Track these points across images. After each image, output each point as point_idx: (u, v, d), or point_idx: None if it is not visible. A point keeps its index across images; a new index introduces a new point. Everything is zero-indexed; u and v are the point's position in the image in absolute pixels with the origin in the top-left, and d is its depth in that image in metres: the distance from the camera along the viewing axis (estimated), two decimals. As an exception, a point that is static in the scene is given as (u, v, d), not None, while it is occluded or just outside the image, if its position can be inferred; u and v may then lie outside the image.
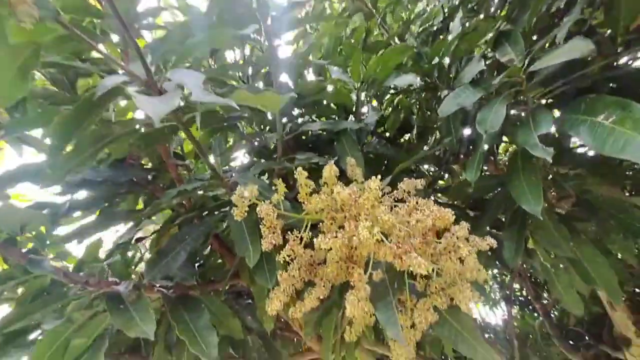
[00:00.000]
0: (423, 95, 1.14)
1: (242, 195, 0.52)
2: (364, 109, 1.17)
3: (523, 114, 0.73)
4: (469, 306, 0.53)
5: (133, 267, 1.05)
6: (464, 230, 0.55)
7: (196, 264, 1.24)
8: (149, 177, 0.93)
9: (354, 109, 1.10)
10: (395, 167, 0.78)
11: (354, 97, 1.11)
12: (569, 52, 0.58)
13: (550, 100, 0.82)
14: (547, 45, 0.81)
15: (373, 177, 0.48)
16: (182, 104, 0.55)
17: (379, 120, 1.23)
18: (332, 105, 1.16)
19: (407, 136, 1.40)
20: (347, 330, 0.66)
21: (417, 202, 0.51)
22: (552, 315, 2.63)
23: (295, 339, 1.47)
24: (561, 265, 0.82)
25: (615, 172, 0.76)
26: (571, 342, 2.64)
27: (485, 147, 0.75)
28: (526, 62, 0.70)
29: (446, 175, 1.46)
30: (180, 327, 0.64)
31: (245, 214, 0.54)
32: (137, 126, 0.67)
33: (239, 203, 0.53)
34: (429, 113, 1.27)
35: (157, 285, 0.76)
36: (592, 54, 0.57)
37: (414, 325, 0.56)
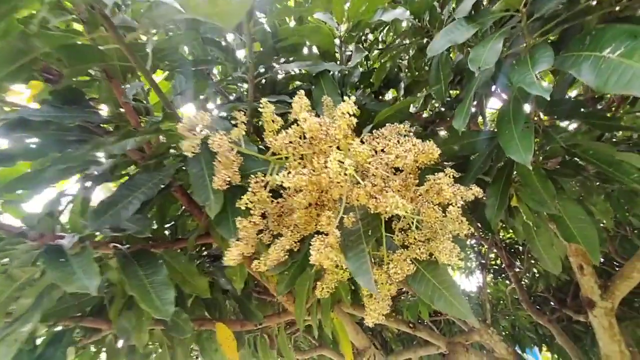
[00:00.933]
0: (413, 40, 1.04)
1: (191, 124, 0.44)
2: (349, 60, 1.07)
3: (521, 53, 0.65)
4: (450, 258, 0.48)
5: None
6: (449, 177, 0.49)
7: (167, 224, 1.16)
8: (101, 122, 0.82)
9: (337, 56, 1.00)
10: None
11: (337, 42, 1.00)
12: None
13: (552, 39, 0.75)
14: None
15: (346, 99, 0.40)
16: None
17: (364, 73, 1.14)
18: (313, 52, 1.05)
19: (394, 93, 1.32)
20: (318, 286, 0.61)
21: (397, 141, 0.44)
22: (523, 283, 2.76)
23: (271, 301, 1.45)
24: (539, 226, 0.80)
25: (608, 124, 0.71)
26: (538, 307, 2.79)
27: (473, 98, 0.68)
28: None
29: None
30: (133, 282, 0.57)
31: (197, 148, 0.45)
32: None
33: (187, 135, 0.44)
34: (416, 72, 1.18)
35: (111, 241, 0.69)
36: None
37: (390, 278, 0.51)
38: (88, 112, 0.80)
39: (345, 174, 0.37)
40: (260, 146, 0.75)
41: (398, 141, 0.44)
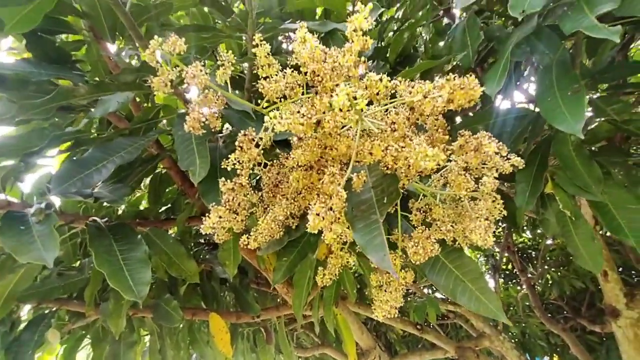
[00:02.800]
0: (431, 14, 0.93)
1: (160, 50, 0.35)
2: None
3: None
4: (485, 240, 0.38)
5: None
6: (489, 141, 0.39)
7: (163, 206, 1.09)
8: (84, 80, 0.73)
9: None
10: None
11: (349, 7, 0.91)
12: None
13: None
14: None
15: (359, 5, 0.31)
16: None
17: (378, 48, 1.03)
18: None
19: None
20: (319, 272, 0.52)
21: (424, 81, 0.35)
22: (535, 289, 2.62)
23: (271, 293, 1.36)
24: (580, 215, 0.69)
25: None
26: (550, 315, 2.65)
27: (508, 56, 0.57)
28: None
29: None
30: (102, 257, 0.49)
31: (168, 84, 0.36)
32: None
33: (157, 67, 0.35)
34: (434, 52, 1.07)
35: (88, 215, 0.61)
36: None
37: (407, 261, 0.41)
38: (73, 74, 0.72)
39: (356, 116, 0.27)
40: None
41: (425, 81, 0.35)
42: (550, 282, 2.85)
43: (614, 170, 0.71)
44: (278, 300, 1.39)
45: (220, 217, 0.37)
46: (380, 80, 0.29)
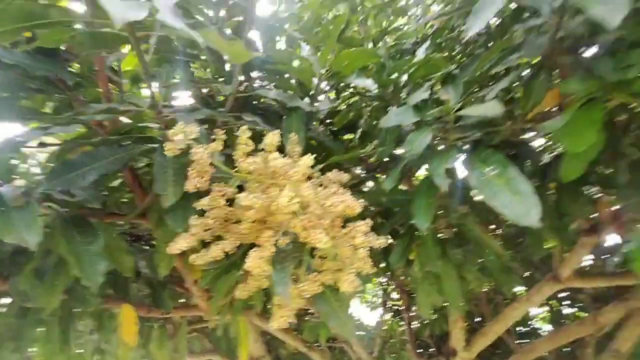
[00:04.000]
0: (374, 104, 1.25)
1: (181, 132, 0.52)
2: (320, 97, 1.22)
3: (443, 147, 0.87)
4: (348, 288, 0.63)
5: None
6: (366, 226, 0.65)
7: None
8: (71, 82, 0.83)
9: (311, 93, 1.15)
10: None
11: (315, 81, 1.15)
12: (482, 110, 0.72)
13: (467, 146, 0.99)
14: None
15: (308, 155, 0.53)
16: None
17: (330, 111, 1.30)
18: (292, 81, 1.18)
19: (351, 136, 1.50)
20: (239, 287, 0.71)
21: (336, 190, 0.59)
22: (413, 327, 3.13)
23: (184, 294, 1.46)
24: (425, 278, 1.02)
25: (489, 216, 0.97)
26: (420, 351, 3.16)
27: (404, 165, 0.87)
28: (457, 107, 0.84)
29: (371, 182, 1.62)
30: (71, 247, 0.60)
31: (177, 152, 0.54)
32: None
33: (174, 139, 0.53)
34: (375, 122, 1.39)
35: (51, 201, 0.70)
36: (498, 118, 0.72)
37: (300, 294, 0.63)
38: (59, 68, 0.81)
39: (291, 209, 0.49)
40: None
41: (336, 191, 0.59)
42: (425, 322, 3.40)
43: (454, 251, 1.07)
44: (185, 300, 1.49)
45: (186, 244, 0.54)
46: (308, 194, 0.51)
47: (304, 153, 1.00)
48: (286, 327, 0.80)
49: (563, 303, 2.29)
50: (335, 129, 1.34)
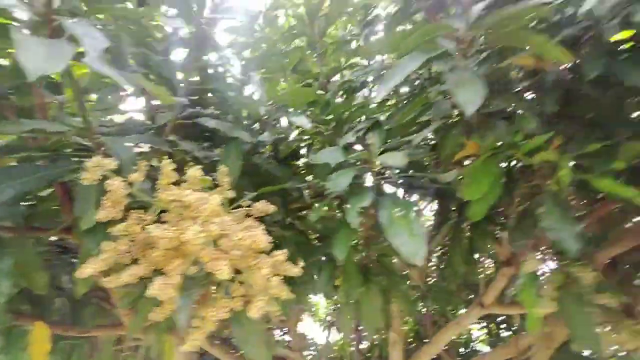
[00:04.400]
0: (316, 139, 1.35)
1: (99, 164, 0.56)
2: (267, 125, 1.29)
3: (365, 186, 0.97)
4: (255, 314, 0.68)
5: None
6: (283, 256, 0.71)
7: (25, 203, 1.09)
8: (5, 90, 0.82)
9: (258, 121, 1.21)
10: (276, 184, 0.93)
11: (262, 111, 1.22)
12: (396, 159, 0.83)
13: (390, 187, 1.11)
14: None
15: (218, 192, 0.59)
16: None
17: (274, 141, 1.37)
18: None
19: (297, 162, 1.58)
20: (155, 310, 0.73)
21: (250, 225, 0.65)
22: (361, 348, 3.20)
23: (109, 311, 1.41)
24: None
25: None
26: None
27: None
28: (379, 152, 0.95)
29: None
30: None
31: (96, 182, 0.57)
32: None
33: (92, 170, 0.56)
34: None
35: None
36: (421, 163, 0.83)
37: (211, 318, 0.67)
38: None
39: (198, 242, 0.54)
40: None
41: (250, 225, 0.65)
42: (375, 343, 3.49)
43: (378, 277, 1.16)
44: (113, 320, 1.43)
45: (96, 268, 0.57)
46: (215, 229, 0.57)
47: (246, 180, 1.06)
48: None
49: (501, 327, 2.48)
50: (281, 156, 1.41)
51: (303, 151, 1.43)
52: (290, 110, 1.17)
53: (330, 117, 1.21)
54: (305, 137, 1.37)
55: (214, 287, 0.67)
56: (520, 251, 1.08)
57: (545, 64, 0.96)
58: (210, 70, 1.12)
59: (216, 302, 0.65)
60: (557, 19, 0.94)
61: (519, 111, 0.99)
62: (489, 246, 1.21)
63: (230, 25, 1.30)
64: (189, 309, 0.57)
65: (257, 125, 1.27)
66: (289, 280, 0.82)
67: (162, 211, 0.68)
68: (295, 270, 0.76)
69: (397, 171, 1.02)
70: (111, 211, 0.57)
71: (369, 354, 3.48)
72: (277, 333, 2.85)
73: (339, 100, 1.44)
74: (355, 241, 1.16)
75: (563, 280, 0.95)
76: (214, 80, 1.07)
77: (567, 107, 1.02)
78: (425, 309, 2.55)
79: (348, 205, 0.84)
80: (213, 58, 1.13)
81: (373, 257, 1.14)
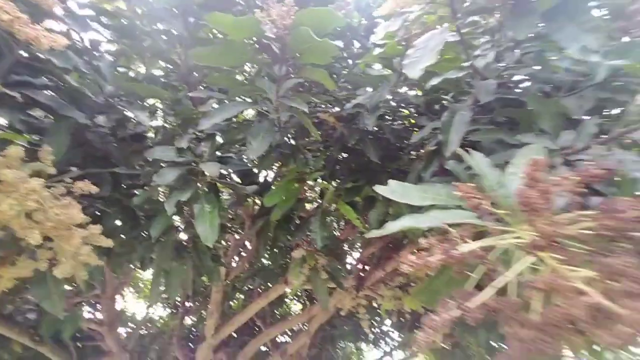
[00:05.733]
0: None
1: None
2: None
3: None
4: (60, 275, 0.83)
5: None
6: (97, 230, 0.88)
7: None
8: None
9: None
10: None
11: (106, 93, 1.28)
12: (211, 169, 1.12)
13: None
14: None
15: (38, 167, 0.73)
16: None
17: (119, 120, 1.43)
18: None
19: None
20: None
21: (69, 202, 0.80)
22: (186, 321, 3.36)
23: None
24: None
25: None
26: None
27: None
28: (207, 159, 1.22)
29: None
30: None
31: None
32: None
33: None
34: None
35: None
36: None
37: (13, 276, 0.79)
38: None
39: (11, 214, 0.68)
40: None
41: (69, 203, 0.80)
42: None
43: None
44: None
45: None
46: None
47: (78, 157, 1.12)
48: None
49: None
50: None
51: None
52: (134, 101, 1.28)
53: (179, 114, 1.38)
54: (154, 125, 1.49)
55: (20, 250, 0.79)
56: (297, 242, 1.56)
57: (336, 125, 1.46)
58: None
59: (18, 263, 0.77)
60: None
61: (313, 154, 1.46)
62: (287, 238, 1.65)
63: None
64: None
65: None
66: (107, 252, 0.99)
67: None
68: (108, 242, 0.94)
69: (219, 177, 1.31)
70: None
71: (194, 329, 3.68)
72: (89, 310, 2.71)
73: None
74: (178, 224, 1.38)
75: (313, 263, 1.47)
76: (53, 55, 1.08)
77: (347, 156, 1.56)
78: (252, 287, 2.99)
79: (169, 196, 1.07)
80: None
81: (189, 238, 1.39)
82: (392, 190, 0.58)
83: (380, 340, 3.67)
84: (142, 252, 1.25)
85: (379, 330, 3.65)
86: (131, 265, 1.63)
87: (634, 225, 0.31)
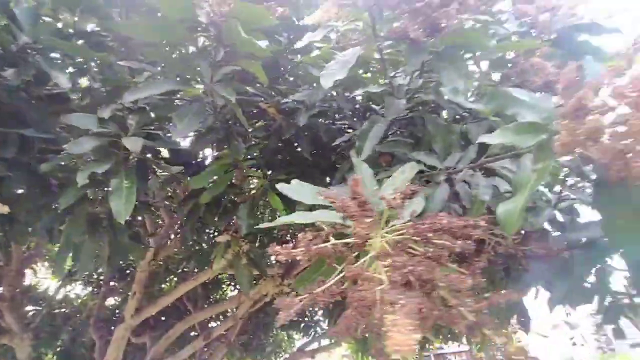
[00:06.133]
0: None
1: None
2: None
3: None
4: None
5: None
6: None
7: None
8: None
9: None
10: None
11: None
12: (133, 144, 1.09)
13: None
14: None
15: None
16: None
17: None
18: None
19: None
20: None
21: None
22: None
23: None
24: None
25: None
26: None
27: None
28: (131, 133, 1.18)
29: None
30: None
31: None
32: None
33: None
34: None
35: None
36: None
37: None
38: None
39: None
40: None
41: None
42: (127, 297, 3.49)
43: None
44: None
45: None
46: None
47: None
48: None
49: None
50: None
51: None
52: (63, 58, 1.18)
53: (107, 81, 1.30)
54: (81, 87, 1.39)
55: None
56: (225, 227, 1.58)
57: (276, 116, 1.48)
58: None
59: None
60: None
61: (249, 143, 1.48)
62: (215, 220, 1.65)
63: None
64: None
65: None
66: (9, 219, 0.92)
67: None
68: (4, 209, 0.88)
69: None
70: None
71: (117, 310, 3.48)
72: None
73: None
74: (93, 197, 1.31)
75: (237, 249, 1.51)
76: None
77: (284, 148, 1.60)
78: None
79: (84, 167, 1.02)
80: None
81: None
82: (291, 188, 0.64)
83: (311, 330, 3.83)
84: (47, 222, 1.17)
85: (309, 319, 3.79)
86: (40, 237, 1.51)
87: (430, 234, 0.41)
